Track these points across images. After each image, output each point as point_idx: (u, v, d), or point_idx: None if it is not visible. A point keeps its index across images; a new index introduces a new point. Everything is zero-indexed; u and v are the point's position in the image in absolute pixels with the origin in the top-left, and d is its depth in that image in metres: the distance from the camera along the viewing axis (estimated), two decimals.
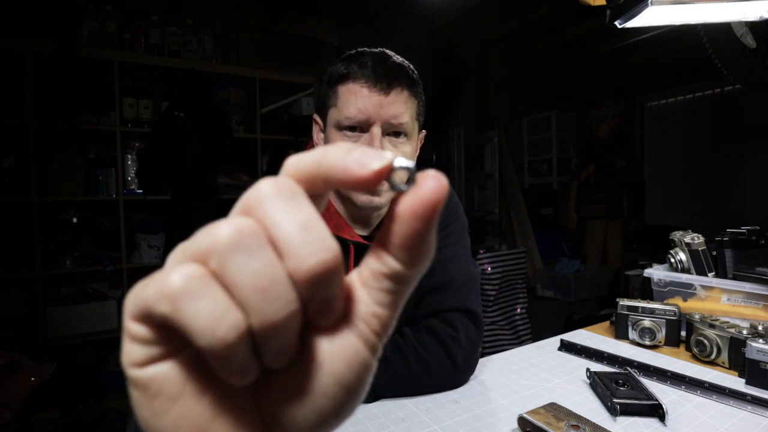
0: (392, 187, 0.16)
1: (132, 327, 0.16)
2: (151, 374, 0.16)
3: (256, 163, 2.60)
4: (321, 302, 0.16)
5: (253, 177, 2.02)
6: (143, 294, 0.15)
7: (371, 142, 0.64)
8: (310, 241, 0.15)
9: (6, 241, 2.01)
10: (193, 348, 0.16)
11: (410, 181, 0.16)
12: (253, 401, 0.17)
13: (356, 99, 0.64)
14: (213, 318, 0.14)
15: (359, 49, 0.70)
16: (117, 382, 1.99)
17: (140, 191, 2.27)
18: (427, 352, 0.66)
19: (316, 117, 0.74)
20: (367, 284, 0.17)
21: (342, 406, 0.17)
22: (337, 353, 0.17)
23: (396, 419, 0.59)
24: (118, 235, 2.20)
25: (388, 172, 0.16)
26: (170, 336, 0.16)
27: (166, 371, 0.16)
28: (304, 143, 0.87)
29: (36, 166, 2.02)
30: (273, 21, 2.62)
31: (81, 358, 2.16)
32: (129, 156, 2.29)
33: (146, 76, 2.38)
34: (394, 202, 0.16)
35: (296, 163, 0.17)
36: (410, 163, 0.16)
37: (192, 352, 0.16)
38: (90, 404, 1.78)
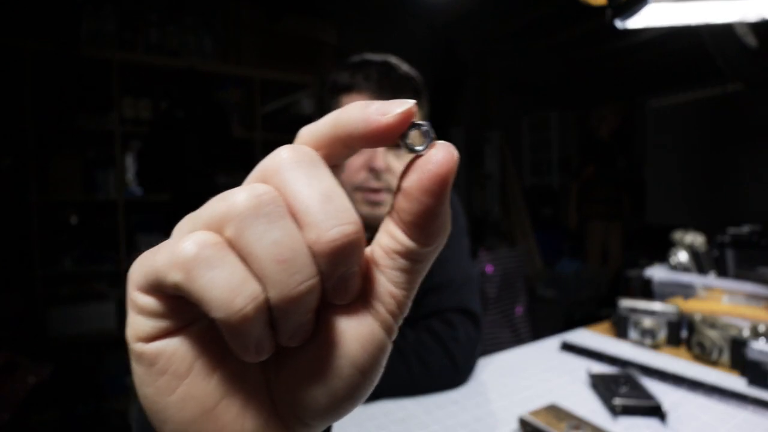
0: (408, 148, 0.16)
1: (139, 298, 0.15)
2: (158, 349, 0.15)
3: (256, 163, 2.59)
4: (340, 278, 0.15)
5: None
6: (152, 262, 0.14)
7: (374, 156, 0.64)
8: (332, 212, 0.14)
9: (5, 241, 2.00)
10: (203, 323, 0.15)
11: (427, 140, 0.16)
12: (263, 382, 0.17)
13: None
14: (230, 288, 0.13)
15: (364, 57, 0.69)
16: (117, 383, 1.99)
17: (140, 191, 2.27)
18: (427, 353, 0.66)
19: None
20: (381, 263, 0.16)
21: (356, 388, 0.16)
22: (353, 334, 0.16)
23: (396, 419, 0.59)
24: (118, 235, 2.20)
25: (412, 116, 0.15)
26: (181, 308, 0.15)
27: (175, 347, 0.15)
28: None
29: (35, 166, 2.01)
30: (273, 21, 2.62)
31: (80, 358, 2.16)
32: (128, 156, 2.28)
33: (146, 76, 2.37)
34: (403, 174, 0.16)
35: (311, 130, 0.16)
36: (426, 123, 0.16)
37: (202, 327, 0.15)
38: (89, 405, 1.77)
